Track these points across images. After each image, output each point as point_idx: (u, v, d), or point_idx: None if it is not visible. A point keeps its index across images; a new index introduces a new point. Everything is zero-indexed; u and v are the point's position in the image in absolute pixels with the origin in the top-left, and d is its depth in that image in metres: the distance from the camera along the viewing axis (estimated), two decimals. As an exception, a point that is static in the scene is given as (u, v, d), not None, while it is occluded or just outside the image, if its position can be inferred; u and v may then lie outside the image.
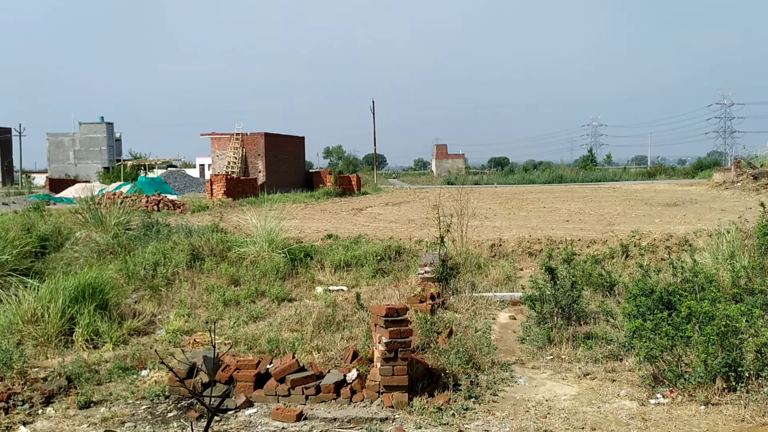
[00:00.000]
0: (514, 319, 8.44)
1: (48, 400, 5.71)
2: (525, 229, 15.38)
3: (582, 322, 7.58)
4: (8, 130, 71.65)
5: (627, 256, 11.66)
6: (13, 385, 5.84)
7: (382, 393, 5.46)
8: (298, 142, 41.96)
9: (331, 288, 10.27)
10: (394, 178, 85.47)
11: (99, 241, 13.08)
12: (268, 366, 5.80)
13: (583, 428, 4.97)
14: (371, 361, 5.81)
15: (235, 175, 33.79)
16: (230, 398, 5.56)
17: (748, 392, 5.23)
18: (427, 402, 5.36)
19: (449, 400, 5.41)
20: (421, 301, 8.02)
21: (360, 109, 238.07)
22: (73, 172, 62.49)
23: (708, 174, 44.45)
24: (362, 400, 5.49)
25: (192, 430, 4.96)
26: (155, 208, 23.29)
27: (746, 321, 5.61)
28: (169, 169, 52.42)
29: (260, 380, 5.70)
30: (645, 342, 5.68)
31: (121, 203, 18.14)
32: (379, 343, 5.51)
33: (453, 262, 10.85)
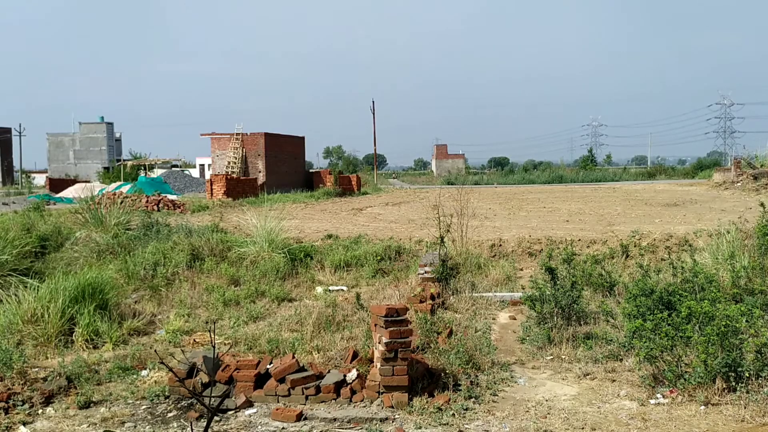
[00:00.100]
0: (514, 319, 8.44)
1: (48, 400, 5.71)
2: (525, 229, 15.37)
3: (582, 322, 7.58)
4: (8, 130, 71.67)
5: (627, 256, 11.66)
6: (13, 385, 5.84)
7: (382, 393, 5.46)
8: (298, 142, 41.96)
9: (331, 288, 10.27)
10: (394, 178, 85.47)
11: (99, 241, 13.08)
12: (268, 366, 5.80)
13: (583, 428, 4.97)
14: (371, 361, 5.81)
15: (235, 175, 33.79)
16: (230, 398, 5.56)
17: (748, 392, 5.23)
18: (427, 402, 5.36)
19: (449, 400, 5.41)
20: (421, 301, 8.02)
21: (360, 109, 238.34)
22: (73, 172, 62.49)
23: (708, 174, 44.44)
24: (362, 400, 5.49)
25: (192, 430, 4.96)
26: (155, 208, 23.29)
27: (746, 321, 5.61)
28: (173, 168, 52.42)
29: (260, 380, 5.70)
30: (645, 342, 5.68)
31: (121, 203, 18.13)
32: (379, 343, 5.51)
33: (453, 262, 10.85)
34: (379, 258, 11.76)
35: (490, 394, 5.63)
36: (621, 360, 6.39)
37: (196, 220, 18.16)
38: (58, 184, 41.74)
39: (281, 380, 5.60)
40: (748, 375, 5.36)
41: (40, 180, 60.63)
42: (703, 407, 5.21)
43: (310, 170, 47.55)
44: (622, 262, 11.29)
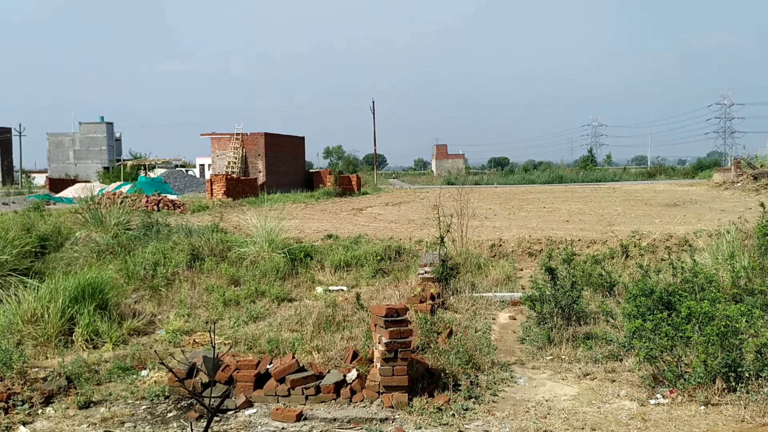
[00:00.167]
0: (514, 319, 8.44)
1: (48, 400, 5.70)
2: (525, 230, 15.37)
3: (582, 323, 7.58)
4: (8, 130, 71.68)
5: (627, 256, 11.66)
6: (13, 385, 5.84)
7: (382, 393, 5.46)
8: (298, 142, 41.96)
9: (331, 288, 10.26)
10: (394, 178, 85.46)
11: (99, 241, 13.08)
12: (268, 366, 5.80)
13: (582, 428, 4.97)
14: (371, 361, 5.81)
15: (235, 175, 33.79)
16: (230, 398, 5.56)
17: (748, 393, 5.23)
18: (427, 402, 5.36)
19: (449, 400, 5.41)
20: (421, 302, 8.01)
21: (360, 109, 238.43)
22: (73, 172, 62.50)
23: (708, 174, 44.43)
24: (362, 401, 5.49)
25: (192, 430, 4.96)
26: (155, 208, 23.29)
27: (746, 321, 5.61)
28: (177, 168, 52.39)
29: (260, 380, 5.70)
30: (645, 342, 5.68)
31: (121, 203, 18.13)
32: (379, 343, 5.51)
33: (453, 262, 10.85)
34: (379, 258, 11.76)
35: (490, 395, 5.63)
36: (621, 360, 6.39)
37: (196, 220, 18.16)
38: (58, 184, 41.75)
39: (281, 380, 5.60)
40: (748, 375, 5.36)
41: (40, 180, 60.65)
42: (703, 407, 5.21)
43: (310, 170, 47.55)
44: (622, 262, 11.29)
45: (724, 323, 5.41)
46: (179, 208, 23.87)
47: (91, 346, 7.34)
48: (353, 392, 5.54)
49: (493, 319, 8.45)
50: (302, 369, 5.71)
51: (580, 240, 13.30)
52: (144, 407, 5.62)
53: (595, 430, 4.95)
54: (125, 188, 31.12)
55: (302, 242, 13.45)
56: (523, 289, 9.41)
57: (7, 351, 6.47)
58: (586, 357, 6.51)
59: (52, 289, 7.77)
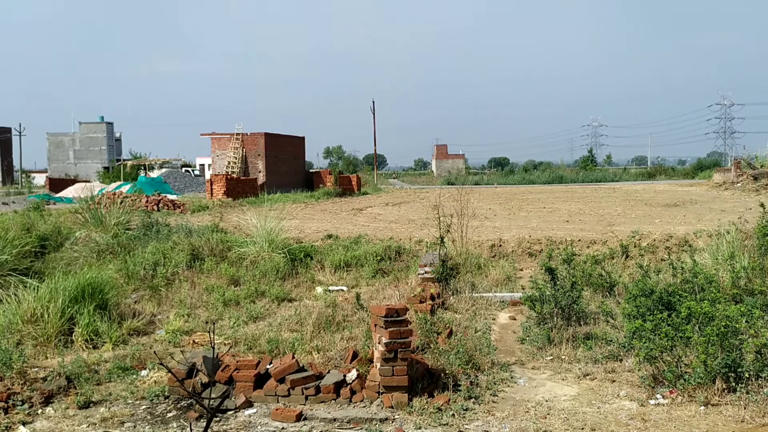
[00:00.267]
0: (514, 319, 8.44)
1: (47, 400, 5.70)
2: (525, 230, 15.37)
3: (582, 323, 7.57)
4: (8, 130, 71.68)
5: (627, 256, 11.66)
6: (13, 385, 5.84)
7: (382, 393, 5.46)
8: (298, 142, 41.95)
9: (331, 288, 10.26)
10: (394, 178, 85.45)
11: (99, 241, 13.08)
12: (267, 366, 5.80)
13: (582, 429, 4.96)
14: (371, 361, 5.81)
15: (235, 175, 33.78)
16: (230, 398, 5.56)
17: (747, 393, 5.23)
18: (426, 402, 5.36)
19: (449, 400, 5.41)
20: (421, 302, 8.01)
21: (360, 109, 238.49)
22: (73, 172, 62.49)
23: (708, 174, 44.42)
24: (362, 401, 5.49)
25: (191, 430, 4.96)
26: (155, 208, 23.28)
27: (746, 322, 5.61)
28: (183, 169, 52.38)
29: (260, 380, 5.70)
30: (645, 342, 5.68)
31: (121, 203, 18.12)
32: (379, 343, 5.50)
33: (453, 262, 10.84)
34: (379, 258, 11.76)
35: (490, 395, 5.63)
36: (621, 360, 6.39)
37: (196, 220, 18.15)
38: (58, 184, 41.75)
39: (281, 380, 5.59)
40: (747, 375, 5.36)
41: (40, 180, 60.66)
42: (702, 408, 5.21)
43: (310, 170, 47.54)
44: (622, 263, 11.29)
45: (724, 323, 5.40)
46: (179, 208, 23.87)
47: (90, 346, 7.33)
48: (353, 392, 5.54)
49: (493, 319, 8.45)
50: (302, 369, 5.71)
51: (580, 240, 13.30)
52: (144, 407, 5.62)
53: (594, 430, 4.95)
54: (125, 188, 31.11)
55: (302, 242, 13.44)
56: (523, 289, 9.41)
57: (7, 351, 6.47)
58: (586, 357, 6.51)
59: (51, 289, 7.77)
